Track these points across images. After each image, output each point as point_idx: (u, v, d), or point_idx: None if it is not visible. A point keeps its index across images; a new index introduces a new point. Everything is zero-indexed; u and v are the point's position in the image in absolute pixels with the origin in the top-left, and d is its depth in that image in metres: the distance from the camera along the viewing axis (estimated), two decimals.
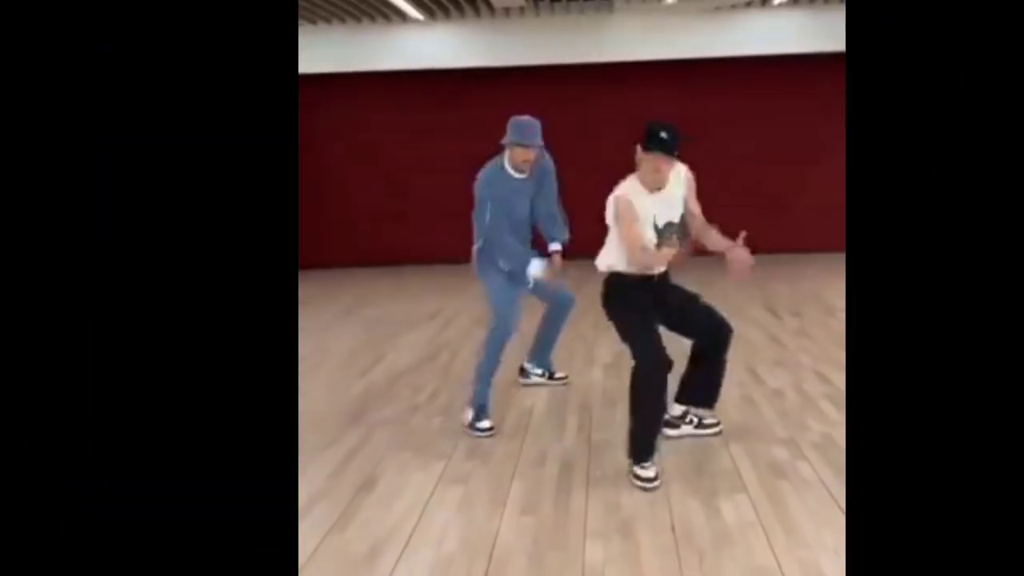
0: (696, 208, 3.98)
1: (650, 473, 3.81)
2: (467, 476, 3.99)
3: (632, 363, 3.87)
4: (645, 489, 3.75)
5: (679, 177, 3.89)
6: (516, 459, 4.18)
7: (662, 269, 3.97)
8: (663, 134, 3.64)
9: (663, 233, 3.82)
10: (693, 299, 4.10)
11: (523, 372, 5.45)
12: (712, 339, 4.10)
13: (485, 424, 4.59)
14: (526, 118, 4.50)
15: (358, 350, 6.66)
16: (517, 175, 4.59)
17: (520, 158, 4.51)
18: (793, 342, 6.40)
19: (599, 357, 6.11)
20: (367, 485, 3.93)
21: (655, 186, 3.77)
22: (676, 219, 3.87)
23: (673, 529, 3.38)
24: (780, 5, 9.52)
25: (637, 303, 3.93)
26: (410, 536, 3.41)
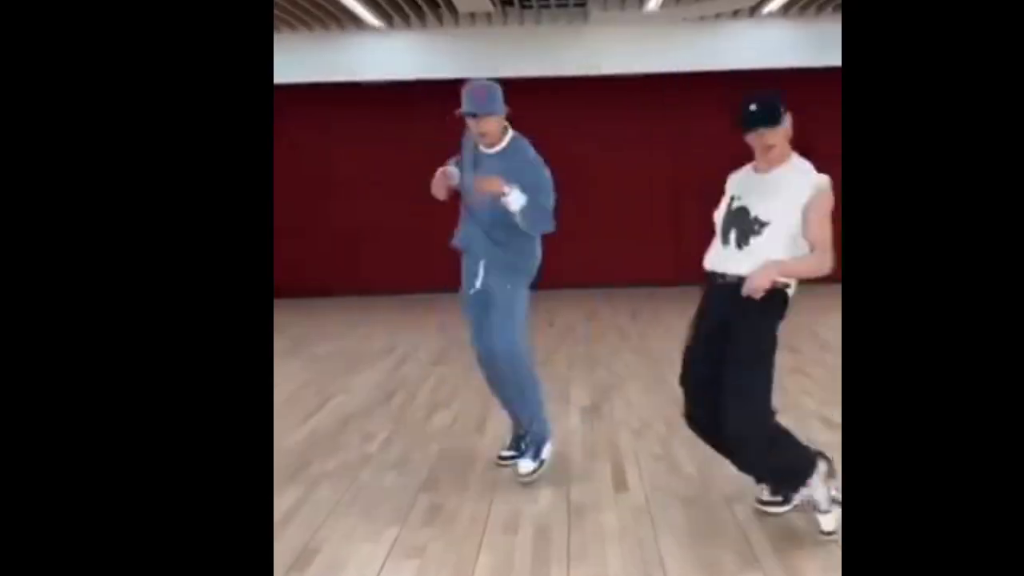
0: (812, 231, 3.24)
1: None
2: (424, 546, 3.49)
3: None
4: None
5: (805, 178, 3.28)
6: (483, 525, 3.69)
7: (731, 272, 3.30)
8: (751, 106, 3.26)
9: (730, 218, 3.35)
10: (734, 354, 3.30)
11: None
12: (713, 422, 3.40)
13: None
14: (475, 82, 4.03)
15: (302, 391, 6.16)
16: (483, 149, 4.08)
17: (473, 130, 4.03)
18: (792, 382, 6.00)
19: (576, 399, 5.66)
20: (304, 559, 3.41)
21: (761, 165, 3.37)
22: (753, 211, 3.28)
23: None
24: (769, 15, 9.25)
25: (698, 313, 3.52)
26: None
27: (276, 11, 8.65)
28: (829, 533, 3.40)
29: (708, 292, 3.46)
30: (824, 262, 3.27)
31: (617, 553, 3.39)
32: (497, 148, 4.07)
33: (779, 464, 3.47)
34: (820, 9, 9.21)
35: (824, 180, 3.27)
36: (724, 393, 3.29)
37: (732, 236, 3.32)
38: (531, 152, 4.09)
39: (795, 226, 3.25)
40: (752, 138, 3.30)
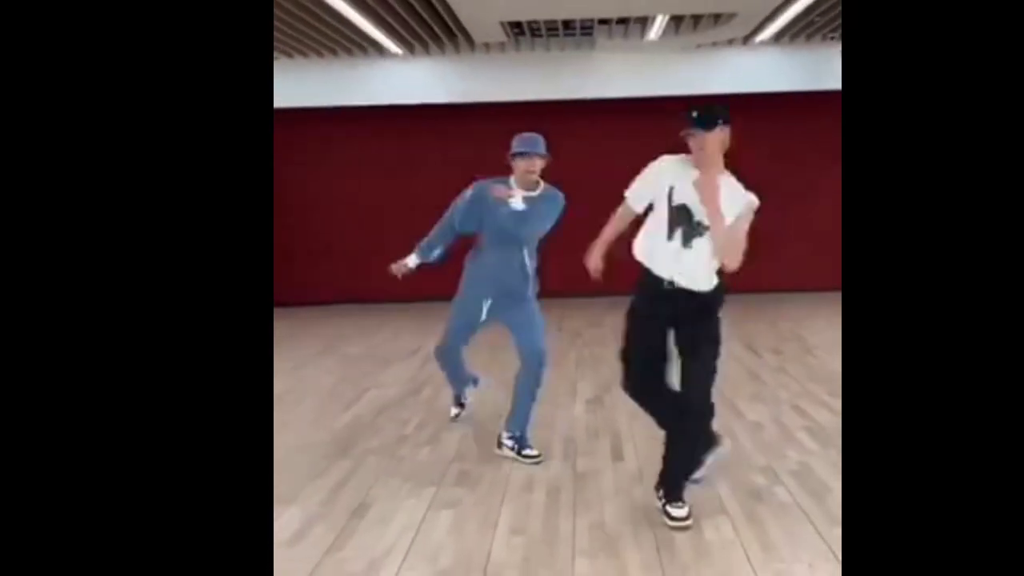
0: (740, 235, 3.77)
1: (682, 512, 4.00)
2: (458, 501, 4.38)
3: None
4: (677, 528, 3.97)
5: (740, 193, 3.85)
6: (504, 486, 4.57)
7: (687, 285, 3.87)
8: (693, 113, 3.89)
9: (677, 215, 3.83)
10: (698, 353, 3.95)
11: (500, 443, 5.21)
12: (675, 410, 4.06)
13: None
14: (529, 133, 4.93)
15: (339, 385, 7.05)
16: (522, 192, 4.92)
17: (523, 169, 4.86)
18: (772, 378, 6.86)
19: (582, 392, 6.54)
20: (360, 510, 4.30)
21: (697, 167, 3.85)
22: (695, 212, 3.83)
23: (657, 548, 3.78)
24: (762, 43, 10.11)
25: (643, 310, 4.00)
26: (406, 554, 3.79)
27: (302, 38, 9.51)
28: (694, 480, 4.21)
29: (654, 295, 3.94)
30: (738, 255, 3.78)
31: (613, 507, 4.25)
32: (537, 191, 4.97)
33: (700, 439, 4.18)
34: (809, 38, 10.05)
35: (755, 200, 3.85)
36: (691, 375, 3.97)
37: (677, 235, 3.86)
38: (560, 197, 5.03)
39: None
40: (690, 139, 3.88)
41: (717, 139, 3.89)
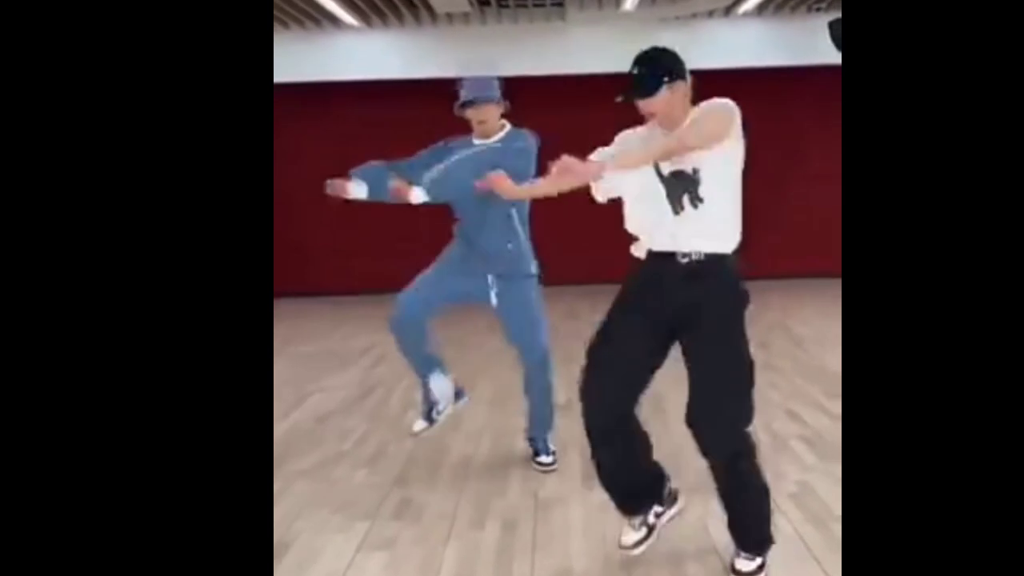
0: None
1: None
2: (394, 539, 3.61)
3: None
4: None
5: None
6: (451, 519, 3.81)
7: (683, 256, 3.02)
8: (633, 71, 3.06)
9: (671, 185, 2.98)
10: (707, 357, 3.14)
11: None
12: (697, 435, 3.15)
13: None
14: (476, 76, 4.19)
15: (281, 389, 6.27)
16: (478, 141, 4.19)
17: (474, 121, 4.13)
18: (759, 376, 6.08)
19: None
20: (278, 550, 3.53)
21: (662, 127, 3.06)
22: (688, 170, 2.97)
23: None
24: (745, 15, 9.40)
25: (627, 302, 3.10)
26: None
27: None
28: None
29: (655, 276, 3.10)
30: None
31: (581, 547, 3.51)
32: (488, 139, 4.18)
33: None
34: (794, 9, 9.35)
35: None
36: (696, 408, 3.14)
37: (685, 200, 3.00)
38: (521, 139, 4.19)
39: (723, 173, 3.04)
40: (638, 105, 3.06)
41: (663, 102, 3.09)
